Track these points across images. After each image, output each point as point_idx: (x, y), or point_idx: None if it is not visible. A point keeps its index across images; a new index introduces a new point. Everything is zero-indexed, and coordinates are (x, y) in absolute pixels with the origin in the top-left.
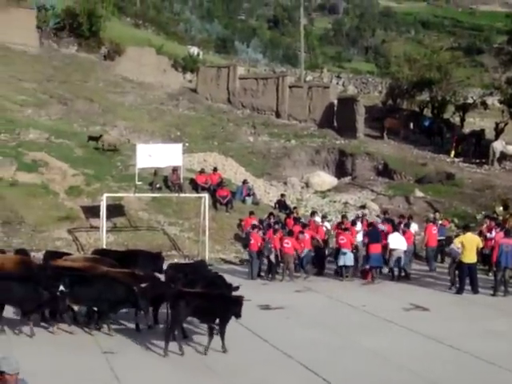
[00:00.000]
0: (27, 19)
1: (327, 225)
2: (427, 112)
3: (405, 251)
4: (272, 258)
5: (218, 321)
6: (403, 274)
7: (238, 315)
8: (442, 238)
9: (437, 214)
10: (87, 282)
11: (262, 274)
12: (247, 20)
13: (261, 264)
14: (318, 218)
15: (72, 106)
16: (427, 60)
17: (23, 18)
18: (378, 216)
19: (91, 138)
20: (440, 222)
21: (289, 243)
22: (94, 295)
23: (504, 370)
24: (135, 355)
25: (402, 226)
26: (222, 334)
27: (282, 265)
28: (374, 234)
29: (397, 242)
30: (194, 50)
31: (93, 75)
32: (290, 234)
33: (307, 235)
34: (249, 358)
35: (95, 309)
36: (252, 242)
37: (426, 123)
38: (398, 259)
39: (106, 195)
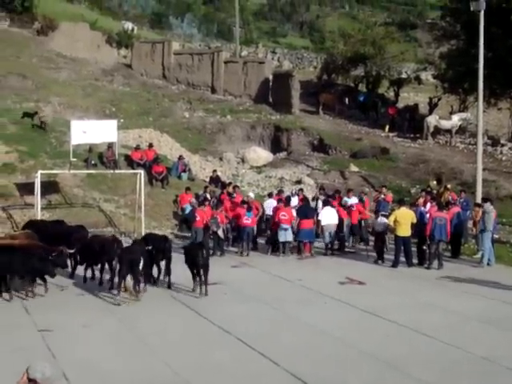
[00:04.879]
0: None
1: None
2: (362, 87)
3: (340, 225)
4: (220, 232)
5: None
6: (337, 247)
7: None
8: (384, 213)
9: (383, 188)
10: None
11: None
12: None
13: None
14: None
15: (5, 82)
16: (361, 35)
17: None
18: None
19: (26, 115)
20: (383, 196)
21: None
22: None
23: (438, 341)
24: (72, 333)
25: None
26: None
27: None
28: (304, 210)
29: (328, 216)
30: (129, 26)
31: (26, 51)
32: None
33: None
34: (186, 334)
35: None
36: (198, 218)
37: (361, 98)
38: (330, 234)
39: (40, 172)
